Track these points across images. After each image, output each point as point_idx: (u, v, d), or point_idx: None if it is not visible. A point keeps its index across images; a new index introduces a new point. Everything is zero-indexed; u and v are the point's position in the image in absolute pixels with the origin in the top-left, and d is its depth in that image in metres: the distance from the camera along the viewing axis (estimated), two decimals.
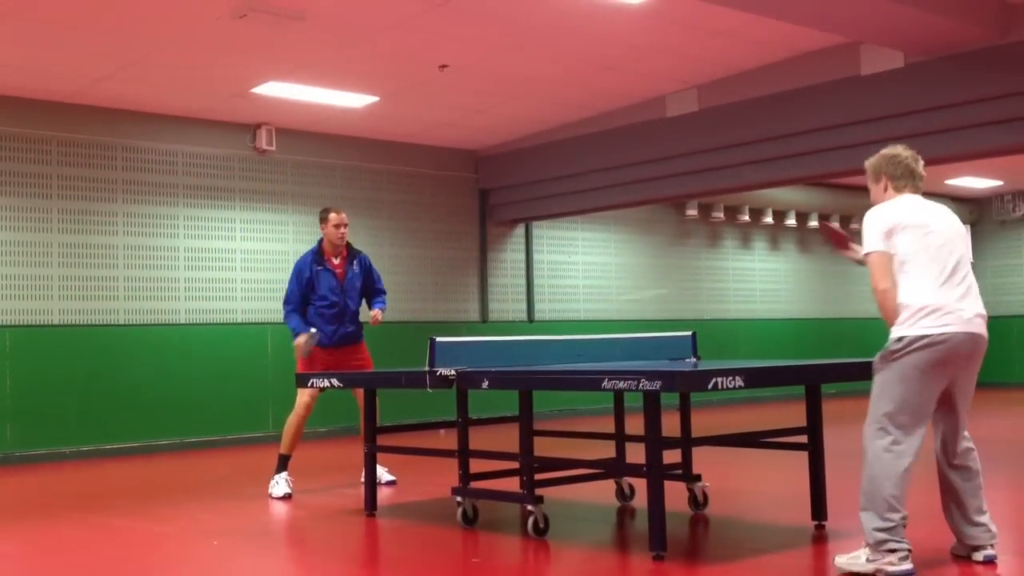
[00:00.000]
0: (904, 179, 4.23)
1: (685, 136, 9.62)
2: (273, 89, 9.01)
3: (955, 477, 4.14)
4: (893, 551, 3.86)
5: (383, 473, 6.72)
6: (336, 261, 6.76)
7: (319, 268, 6.71)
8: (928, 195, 4.25)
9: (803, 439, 5.05)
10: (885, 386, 4.01)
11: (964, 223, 18.93)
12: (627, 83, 9.34)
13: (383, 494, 6.03)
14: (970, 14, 7.25)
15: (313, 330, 6.54)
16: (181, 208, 9.81)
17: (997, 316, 15.89)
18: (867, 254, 4.08)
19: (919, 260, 4.01)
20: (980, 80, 7.63)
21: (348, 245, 6.85)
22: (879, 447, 3.97)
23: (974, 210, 16.24)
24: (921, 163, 4.28)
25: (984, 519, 4.13)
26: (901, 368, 3.96)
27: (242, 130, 10.16)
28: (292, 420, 6.57)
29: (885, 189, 4.25)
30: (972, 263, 4.35)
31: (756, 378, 4.49)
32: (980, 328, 4.04)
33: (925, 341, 3.93)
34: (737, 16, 7.31)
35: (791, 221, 14.68)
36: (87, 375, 9.15)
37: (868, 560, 3.93)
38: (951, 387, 4.07)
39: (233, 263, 10.07)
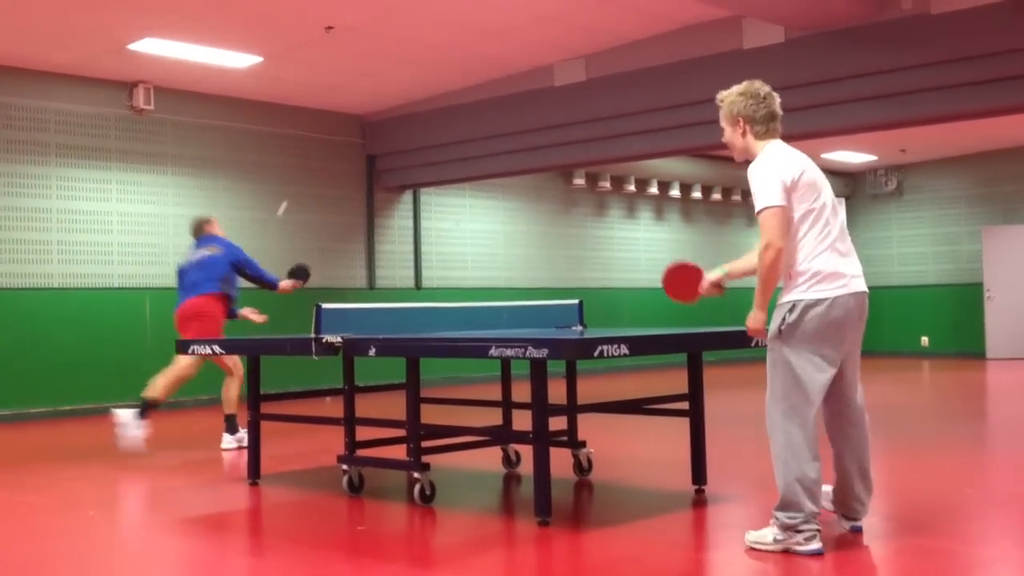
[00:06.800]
0: (765, 123, 3.85)
1: (573, 105, 9.68)
2: (151, 46, 8.67)
3: (853, 436, 3.96)
4: (801, 531, 3.72)
5: (235, 439, 6.88)
6: None
7: None
8: None
9: (684, 405, 5.18)
10: (787, 362, 3.78)
11: (838, 196, 19.60)
12: (515, 51, 9.33)
13: (266, 462, 5.93)
14: None
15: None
16: (53, 168, 9.39)
17: (868, 288, 16.64)
18: (764, 208, 3.70)
19: (818, 220, 3.77)
20: (857, 56, 7.88)
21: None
22: (791, 429, 3.75)
23: (848, 183, 16.81)
24: (778, 100, 3.93)
25: (871, 480, 4.01)
26: (801, 338, 3.75)
27: (118, 88, 9.77)
28: (173, 373, 6.47)
29: (744, 134, 3.89)
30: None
31: (640, 346, 4.57)
32: (865, 286, 3.91)
33: (825, 305, 3.74)
34: None
35: (675, 192, 14.95)
36: None
37: (776, 540, 3.77)
38: (845, 350, 3.87)
39: (110, 226, 9.71)
